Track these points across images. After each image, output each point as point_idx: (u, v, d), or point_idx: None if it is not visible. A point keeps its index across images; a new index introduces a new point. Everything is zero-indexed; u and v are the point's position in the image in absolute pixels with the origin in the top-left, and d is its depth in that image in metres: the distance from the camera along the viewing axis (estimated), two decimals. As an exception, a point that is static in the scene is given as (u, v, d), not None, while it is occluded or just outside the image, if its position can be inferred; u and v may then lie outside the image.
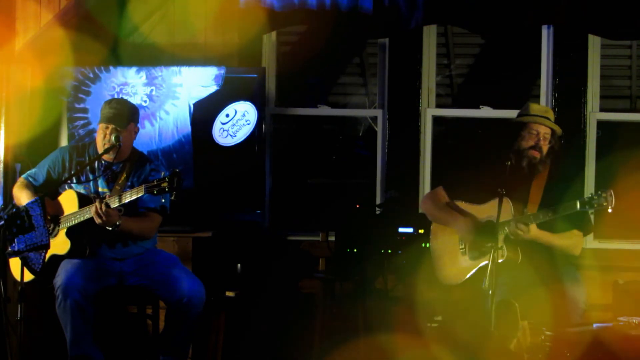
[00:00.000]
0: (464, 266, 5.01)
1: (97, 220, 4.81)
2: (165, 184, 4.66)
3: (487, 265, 4.46)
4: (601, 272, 5.72)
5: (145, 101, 6.01)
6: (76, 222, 4.91)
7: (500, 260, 4.73)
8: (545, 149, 4.95)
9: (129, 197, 4.81)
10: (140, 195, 4.77)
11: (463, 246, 5.02)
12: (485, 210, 4.91)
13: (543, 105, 5.12)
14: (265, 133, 6.22)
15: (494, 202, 4.67)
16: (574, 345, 4.34)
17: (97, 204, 4.80)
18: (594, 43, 6.22)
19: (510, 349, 4.53)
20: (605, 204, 4.61)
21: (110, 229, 4.86)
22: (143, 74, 6.01)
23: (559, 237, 4.89)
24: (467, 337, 4.75)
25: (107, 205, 4.79)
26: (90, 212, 4.84)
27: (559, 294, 4.77)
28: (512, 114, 6.45)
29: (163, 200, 4.87)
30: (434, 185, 6.22)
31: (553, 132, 4.97)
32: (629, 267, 5.83)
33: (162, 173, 4.81)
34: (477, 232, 4.91)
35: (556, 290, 4.78)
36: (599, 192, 4.64)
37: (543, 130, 4.93)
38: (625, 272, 5.77)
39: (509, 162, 4.92)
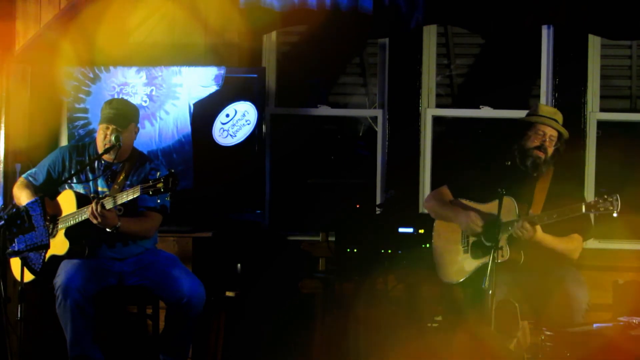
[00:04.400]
0: (464, 265, 5.02)
1: (94, 221, 4.81)
2: (160, 185, 4.65)
3: (487, 264, 4.47)
4: (601, 272, 5.71)
5: (145, 101, 6.01)
6: (74, 222, 4.91)
7: (500, 260, 4.73)
8: (550, 150, 4.94)
9: (125, 197, 4.80)
10: (136, 195, 4.76)
11: (465, 245, 5.02)
12: (489, 209, 4.91)
13: (550, 106, 5.10)
14: (265, 133, 6.22)
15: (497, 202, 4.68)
16: (574, 345, 4.34)
17: (92, 205, 4.80)
18: (594, 43, 6.22)
19: (510, 349, 4.53)
20: (611, 208, 4.56)
21: (110, 230, 4.86)
22: (143, 74, 6.01)
23: (561, 241, 4.88)
24: (467, 337, 4.75)
25: (103, 206, 4.79)
26: (88, 212, 4.85)
27: (563, 295, 4.77)
28: (512, 114, 6.49)
29: (158, 200, 4.86)
30: (434, 185, 6.22)
31: (560, 134, 4.96)
32: (629, 267, 5.83)
33: (158, 173, 4.81)
34: (483, 225, 4.91)
35: (559, 291, 4.78)
36: (605, 196, 4.61)
37: (549, 132, 4.93)
38: (625, 272, 5.77)
39: (509, 162, 4.92)
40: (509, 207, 4.80)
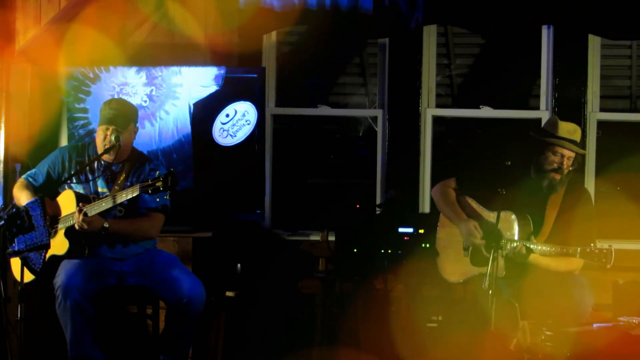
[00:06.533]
0: (464, 268, 4.99)
1: (79, 229, 4.82)
2: (159, 183, 4.66)
3: (484, 273, 4.47)
4: (601, 272, 5.71)
5: (145, 101, 6.01)
6: (74, 222, 4.91)
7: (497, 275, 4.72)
8: (566, 171, 4.91)
9: (124, 196, 4.80)
10: (135, 194, 4.76)
11: (466, 246, 5.00)
12: (492, 219, 4.86)
13: (570, 123, 4.93)
14: (265, 133, 6.22)
15: (502, 214, 4.67)
16: (574, 345, 4.34)
17: (76, 215, 4.79)
18: (594, 43, 6.22)
19: (510, 349, 4.53)
20: (604, 260, 4.60)
21: (98, 232, 4.86)
22: (143, 74, 6.01)
23: (559, 263, 4.84)
24: (467, 337, 4.75)
25: (85, 215, 4.79)
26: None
27: (568, 299, 4.75)
28: (512, 114, 6.51)
29: (158, 200, 4.86)
30: (434, 185, 6.21)
31: (577, 153, 4.93)
32: (629, 267, 5.83)
33: (158, 173, 4.81)
34: (482, 237, 4.88)
35: (564, 295, 4.76)
36: (601, 248, 4.63)
37: (567, 154, 4.87)
38: (625, 272, 5.76)
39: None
40: (509, 223, 4.80)
